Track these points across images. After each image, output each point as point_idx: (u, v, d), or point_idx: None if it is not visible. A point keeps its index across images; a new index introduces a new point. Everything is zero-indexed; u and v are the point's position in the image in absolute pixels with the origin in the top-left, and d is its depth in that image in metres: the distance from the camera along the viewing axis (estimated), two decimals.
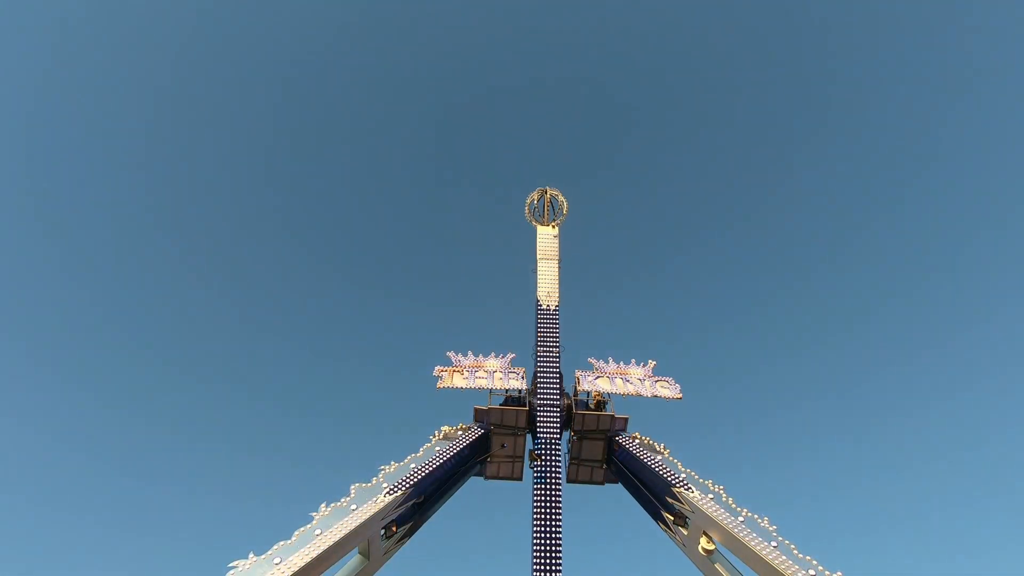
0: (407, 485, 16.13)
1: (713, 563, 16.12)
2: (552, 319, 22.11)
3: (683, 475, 17.49)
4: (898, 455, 60.64)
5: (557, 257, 23.88)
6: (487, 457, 20.86)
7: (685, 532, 17.17)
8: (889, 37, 64.19)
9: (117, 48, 60.75)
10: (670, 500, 17.38)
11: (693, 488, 16.85)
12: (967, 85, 61.22)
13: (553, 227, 24.60)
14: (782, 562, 13.87)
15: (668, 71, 73.49)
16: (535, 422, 20.06)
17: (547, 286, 22.95)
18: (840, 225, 68.08)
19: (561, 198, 25.21)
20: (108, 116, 61.58)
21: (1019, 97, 58.05)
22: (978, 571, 52.77)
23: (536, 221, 24.92)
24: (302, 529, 13.65)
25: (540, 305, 22.45)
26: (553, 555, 18.25)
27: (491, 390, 20.60)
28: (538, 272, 23.46)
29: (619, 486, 21.18)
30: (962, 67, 61.28)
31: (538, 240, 24.34)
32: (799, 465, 64.40)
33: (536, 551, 17.38)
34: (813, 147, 68.99)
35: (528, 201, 25.24)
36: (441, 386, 20.54)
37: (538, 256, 23.97)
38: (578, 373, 21.55)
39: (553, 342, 21.51)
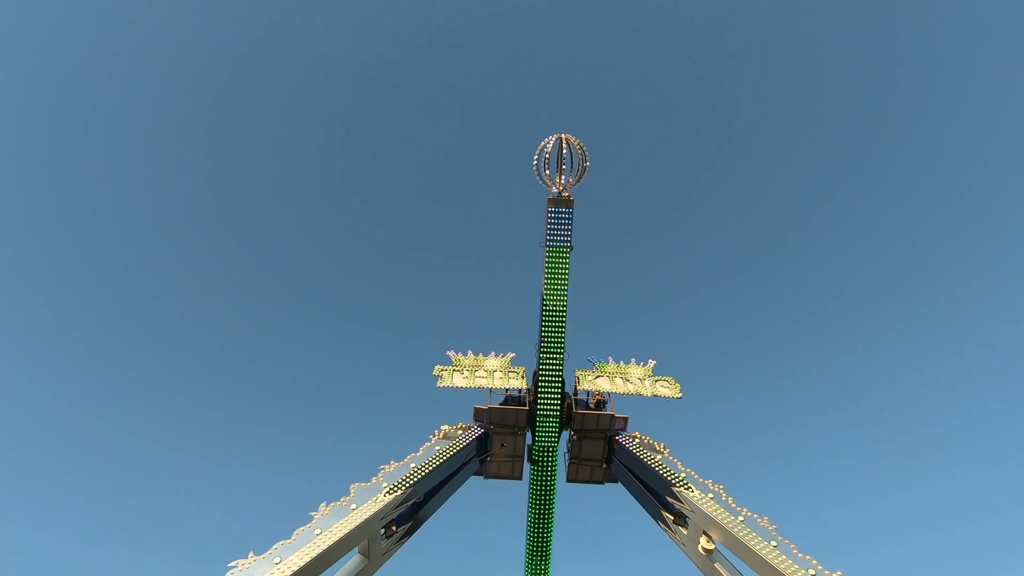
0: (407, 484, 16.11)
1: (713, 563, 16.11)
2: (559, 318, 19.46)
3: (683, 475, 17.47)
4: (900, 454, 60.64)
5: (570, 240, 19.09)
6: (487, 456, 20.85)
7: (685, 532, 17.17)
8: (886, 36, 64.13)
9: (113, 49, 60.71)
10: (670, 500, 17.38)
11: (693, 488, 16.84)
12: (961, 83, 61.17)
13: (566, 194, 18.88)
14: (782, 562, 13.87)
15: (668, 70, 73.39)
16: (534, 422, 20.06)
17: (555, 278, 19.11)
18: (843, 224, 68.06)
19: (580, 149, 18.61)
20: (99, 116, 61.56)
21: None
22: (980, 569, 52.76)
23: (546, 181, 18.96)
24: (302, 528, 13.64)
25: (546, 303, 19.46)
26: (543, 556, 18.50)
27: (491, 389, 20.56)
28: (546, 259, 19.15)
29: (619, 486, 21.16)
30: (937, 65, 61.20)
31: (548, 216, 18.96)
32: (799, 464, 64.43)
33: (529, 552, 17.54)
34: (816, 146, 68.97)
35: (539, 149, 18.80)
36: (441, 386, 20.50)
37: (546, 237, 19.12)
38: (578, 372, 21.52)
39: (558, 344, 19.71)
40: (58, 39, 56.92)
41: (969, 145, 61.31)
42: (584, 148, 18.62)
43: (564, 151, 18.72)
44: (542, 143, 18.74)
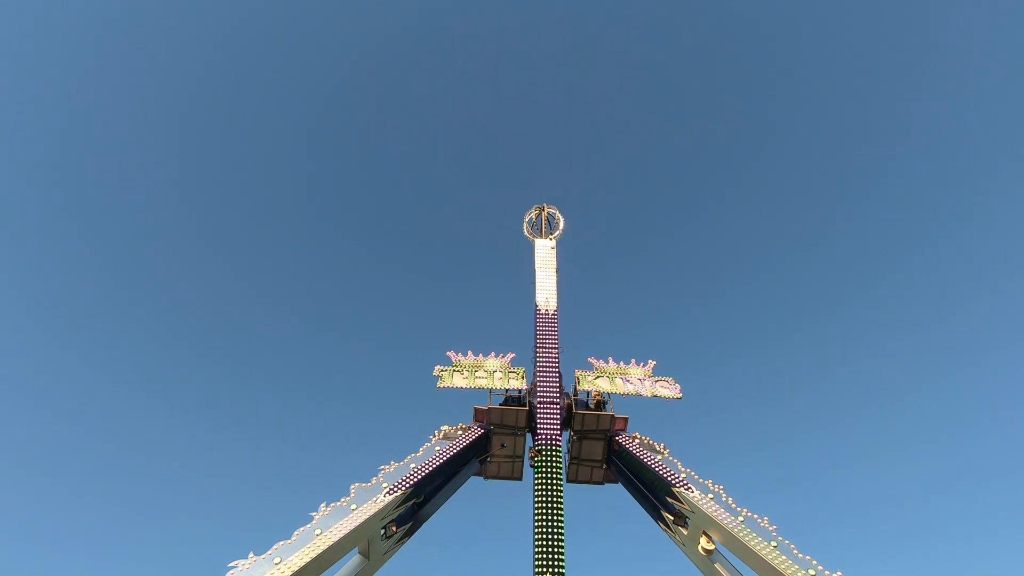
0: (407, 485, 16.12)
1: (713, 563, 16.13)
2: (551, 323, 22.38)
3: (683, 475, 17.48)
4: (903, 458, 60.65)
5: (555, 267, 24.70)
6: (487, 457, 20.85)
7: (685, 532, 17.17)
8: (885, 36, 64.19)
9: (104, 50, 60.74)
10: (670, 500, 17.37)
11: (693, 488, 16.85)
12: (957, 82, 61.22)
13: (551, 239, 25.55)
14: (782, 562, 13.88)
15: (664, 69, 73.49)
16: (535, 422, 20.05)
17: (545, 292, 23.56)
18: (845, 224, 68.07)
19: (558, 216, 26.23)
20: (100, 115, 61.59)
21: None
22: (979, 568, 52.78)
23: (534, 236, 25.82)
24: (302, 529, 13.65)
25: (539, 310, 22.84)
26: (556, 555, 17.91)
27: (491, 390, 20.57)
28: (536, 280, 24.05)
29: (619, 486, 21.16)
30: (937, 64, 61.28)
31: (536, 252, 25.25)
32: (800, 465, 64.44)
33: (538, 552, 17.14)
34: (813, 145, 69.02)
35: (526, 219, 26.22)
36: (441, 386, 20.51)
37: (536, 266, 24.67)
38: (578, 373, 21.52)
39: (552, 345, 21.64)
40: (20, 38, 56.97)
41: (981, 148, 61.33)
42: (559, 213, 26.20)
43: (546, 215, 26.14)
44: (527, 215, 26.25)
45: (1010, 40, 56.96)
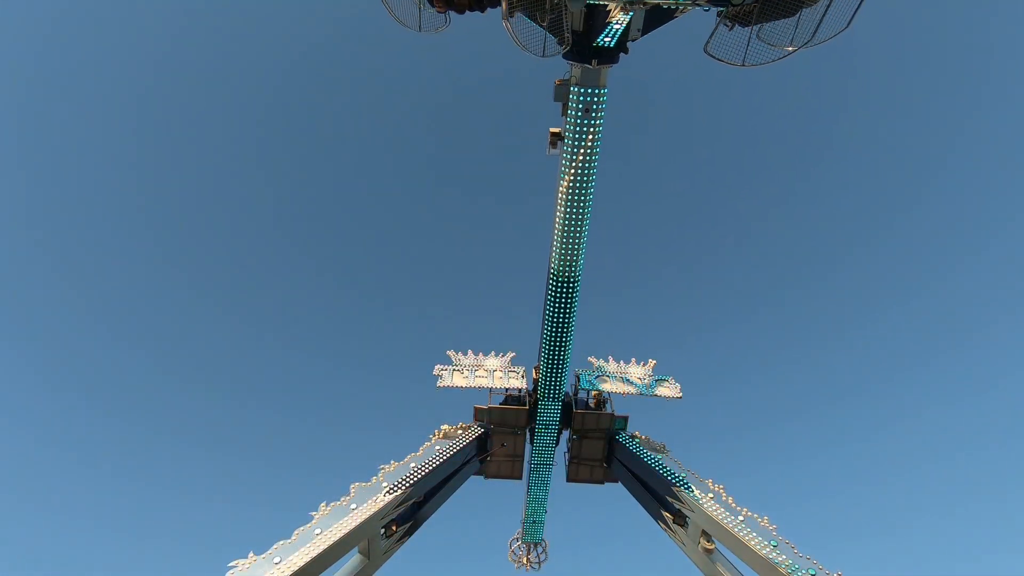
0: (407, 484, 16.14)
1: (713, 562, 16.17)
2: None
3: (683, 475, 17.53)
4: (898, 455, 60.72)
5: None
6: (487, 456, 20.88)
7: (685, 531, 17.20)
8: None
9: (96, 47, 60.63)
10: (670, 499, 17.41)
11: (693, 487, 16.88)
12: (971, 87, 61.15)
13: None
14: (782, 561, 13.92)
15: (666, 69, 73.44)
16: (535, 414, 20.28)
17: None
18: (843, 226, 68.08)
19: None
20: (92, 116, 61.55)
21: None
22: (976, 571, 52.86)
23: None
24: (302, 528, 13.69)
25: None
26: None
27: (491, 389, 20.58)
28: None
29: (619, 485, 21.22)
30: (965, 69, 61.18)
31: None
32: (799, 464, 64.48)
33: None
34: (815, 146, 68.98)
35: None
36: (441, 385, 20.48)
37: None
38: (578, 372, 21.51)
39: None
40: None
41: (963, 137, 61.28)
42: None
43: None
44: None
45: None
